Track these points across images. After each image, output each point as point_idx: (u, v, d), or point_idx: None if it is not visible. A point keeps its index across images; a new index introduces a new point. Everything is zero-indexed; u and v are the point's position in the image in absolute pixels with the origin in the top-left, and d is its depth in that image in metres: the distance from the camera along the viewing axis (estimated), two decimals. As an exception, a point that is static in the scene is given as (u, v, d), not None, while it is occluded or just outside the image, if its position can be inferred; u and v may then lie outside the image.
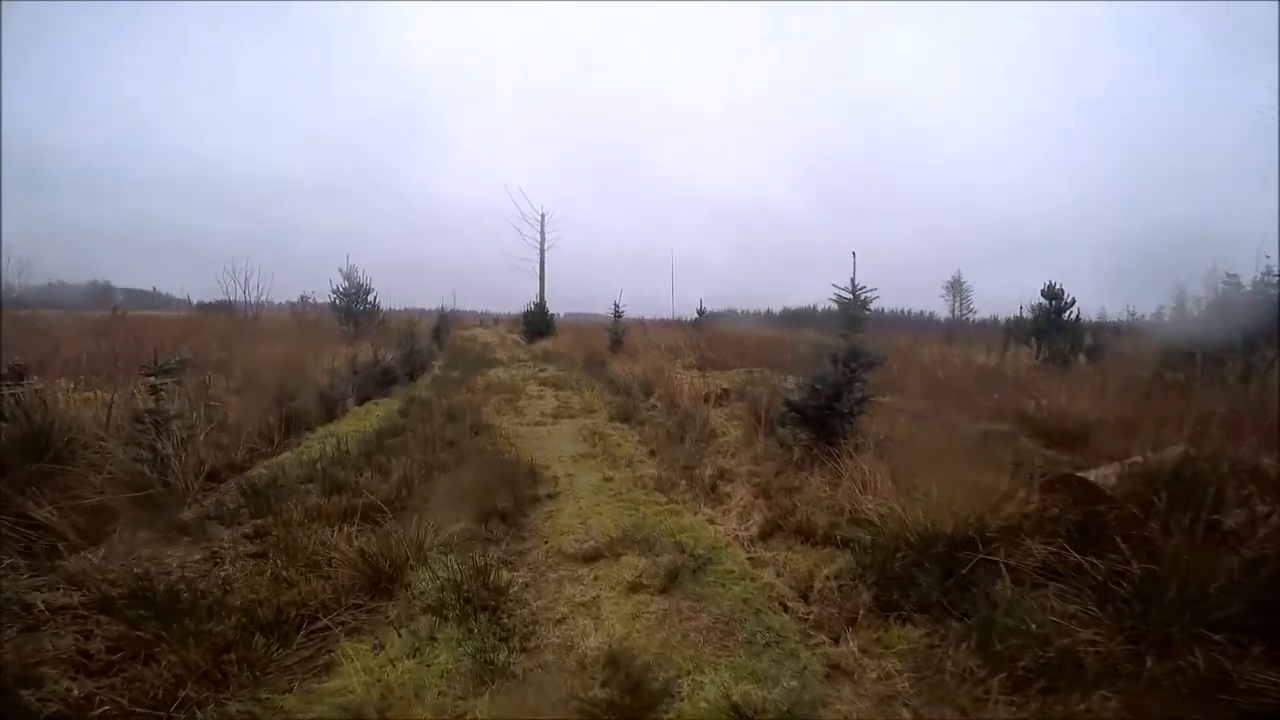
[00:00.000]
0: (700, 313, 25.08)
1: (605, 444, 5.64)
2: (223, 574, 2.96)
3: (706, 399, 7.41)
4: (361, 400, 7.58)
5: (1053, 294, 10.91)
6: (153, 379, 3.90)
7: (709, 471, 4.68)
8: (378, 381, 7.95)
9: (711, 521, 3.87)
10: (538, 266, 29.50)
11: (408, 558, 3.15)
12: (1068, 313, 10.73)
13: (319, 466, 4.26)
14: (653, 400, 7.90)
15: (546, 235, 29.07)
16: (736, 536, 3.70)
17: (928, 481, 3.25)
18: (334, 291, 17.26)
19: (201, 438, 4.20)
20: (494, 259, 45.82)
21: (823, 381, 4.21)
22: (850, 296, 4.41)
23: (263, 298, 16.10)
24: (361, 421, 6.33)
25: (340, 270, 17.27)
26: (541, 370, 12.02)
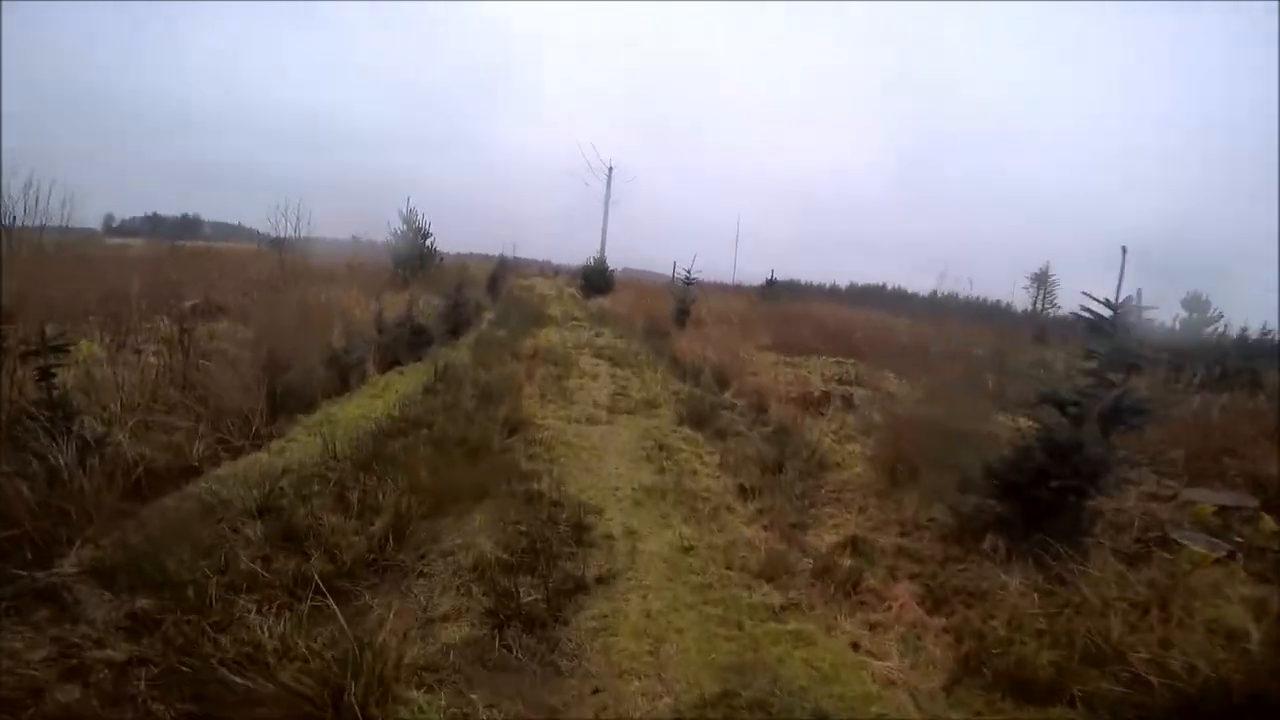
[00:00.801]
0: (770, 282, 22.88)
1: (677, 466, 4.18)
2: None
3: (805, 404, 5.79)
4: (388, 366, 6.42)
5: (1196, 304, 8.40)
6: (40, 359, 2.69)
7: (835, 539, 3.16)
8: (409, 343, 6.73)
9: (860, 649, 2.39)
10: (601, 220, 27.94)
11: (366, 696, 1.86)
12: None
13: (281, 487, 3.02)
14: (729, 396, 6.36)
15: (612, 190, 27.36)
16: (908, 686, 2.22)
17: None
18: (391, 234, 16.39)
19: (125, 433, 3.02)
20: (559, 209, 44.48)
21: (1063, 444, 2.53)
22: (1110, 311, 2.64)
23: (315, 234, 15.38)
24: (375, 400, 5.14)
25: (399, 212, 16.31)
26: (597, 334, 10.63)
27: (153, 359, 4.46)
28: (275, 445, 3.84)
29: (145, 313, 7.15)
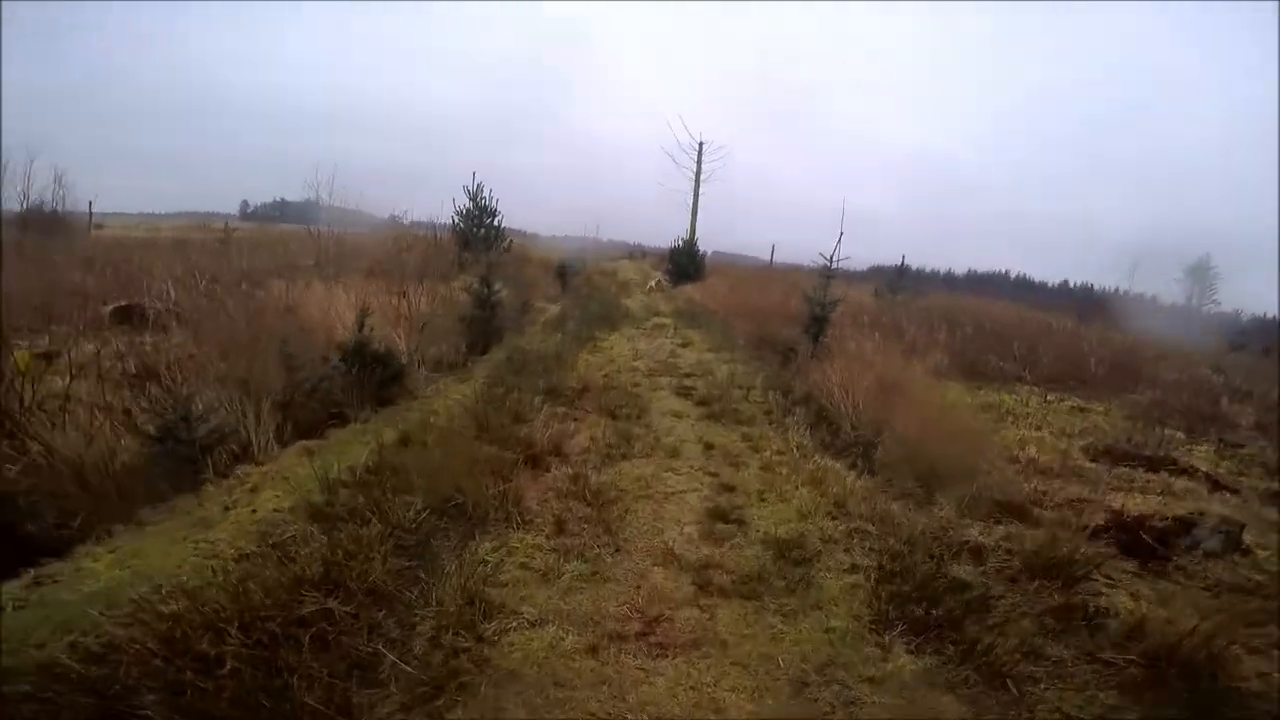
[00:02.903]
0: (901, 270, 18.40)
1: None
2: None
3: (1132, 547, 2.53)
4: (320, 426, 3.87)
5: None
6: None
7: None
8: (373, 379, 4.16)
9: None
10: (690, 199, 24.80)
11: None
12: None
13: None
14: (975, 531, 3.14)
15: (704, 167, 24.09)
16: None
17: None
18: (456, 212, 14.41)
19: None
20: (649, 190, 41.68)
21: None
22: None
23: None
24: (282, 492, 2.56)
25: (465, 188, 14.27)
26: (683, 344, 7.68)
27: None
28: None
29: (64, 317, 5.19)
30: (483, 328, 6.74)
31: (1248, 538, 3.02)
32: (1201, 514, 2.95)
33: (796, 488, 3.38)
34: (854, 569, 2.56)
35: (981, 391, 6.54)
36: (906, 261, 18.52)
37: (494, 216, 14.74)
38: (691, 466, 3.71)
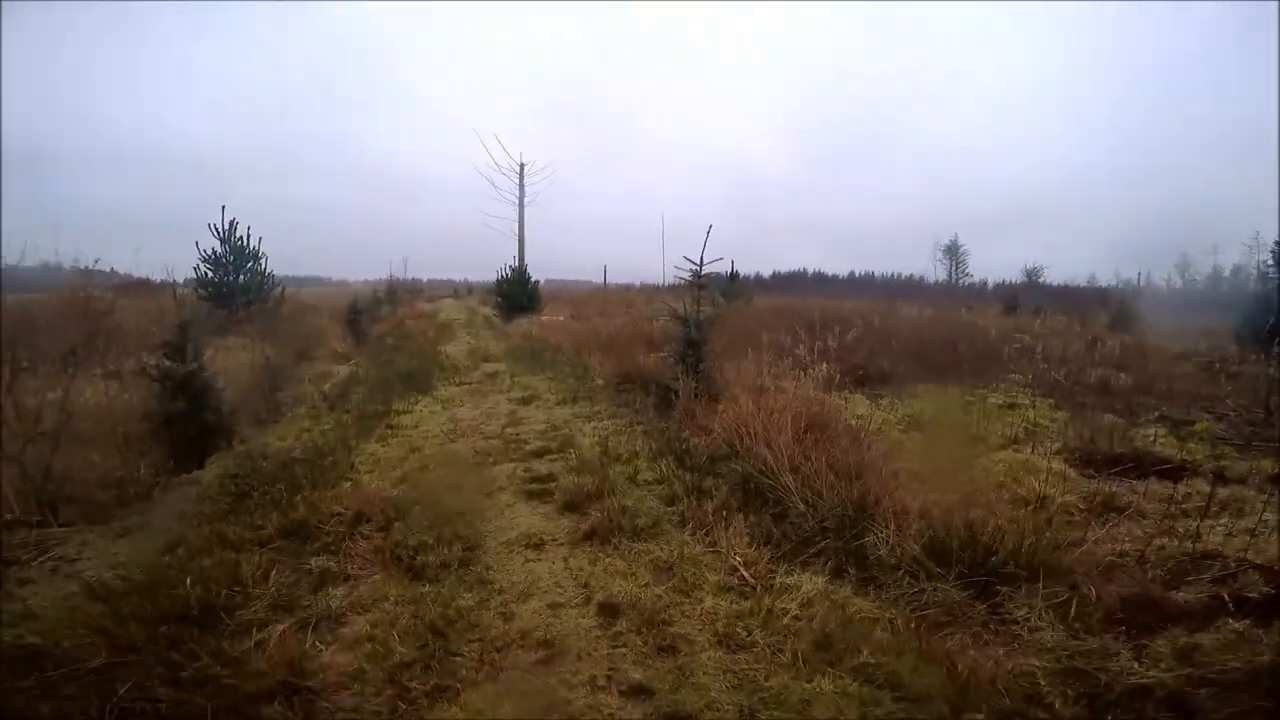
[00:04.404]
0: (733, 276, 18.34)
1: None
2: None
3: None
4: None
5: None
6: None
7: None
8: None
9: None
10: (516, 225, 22.94)
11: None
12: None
13: None
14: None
15: (528, 189, 22.53)
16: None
17: None
18: (202, 259, 10.70)
19: None
20: (470, 224, 38.74)
21: None
22: None
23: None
24: None
25: (212, 228, 10.67)
26: (526, 399, 5.67)
27: None
28: None
29: None
30: (187, 429, 4.03)
31: None
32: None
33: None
34: None
35: (886, 400, 5.59)
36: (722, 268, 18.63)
37: (255, 260, 11.32)
38: (593, 680, 1.77)
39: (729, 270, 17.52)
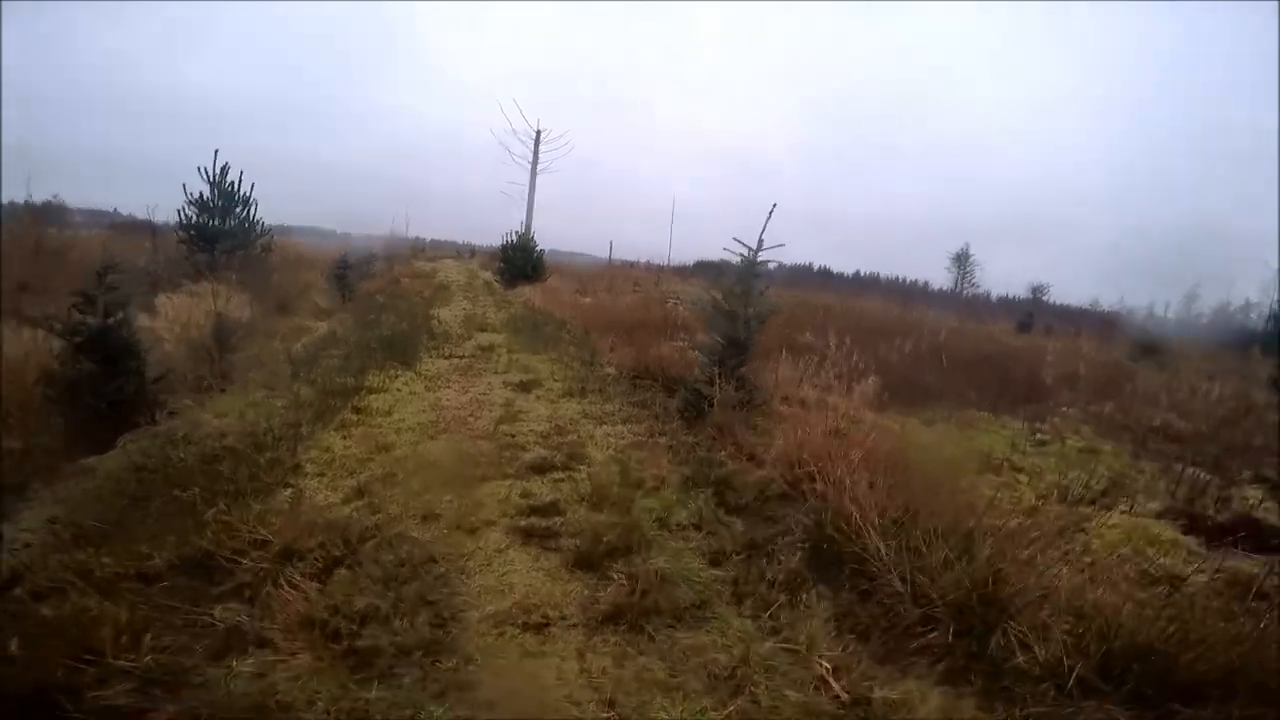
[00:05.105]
0: (754, 253, 17.16)
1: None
2: None
3: None
4: None
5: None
6: None
7: None
8: None
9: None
10: (526, 191, 21.85)
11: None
12: None
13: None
14: None
15: (542, 157, 21.40)
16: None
17: None
18: (188, 203, 9.74)
19: None
20: (478, 188, 37.39)
21: None
22: None
23: None
24: None
25: (201, 171, 9.67)
26: (525, 383, 4.85)
27: None
28: None
29: None
30: (96, 399, 3.17)
31: None
32: None
33: None
34: None
35: (938, 425, 4.81)
36: (712, 256, 17.91)
37: (245, 206, 10.30)
38: None
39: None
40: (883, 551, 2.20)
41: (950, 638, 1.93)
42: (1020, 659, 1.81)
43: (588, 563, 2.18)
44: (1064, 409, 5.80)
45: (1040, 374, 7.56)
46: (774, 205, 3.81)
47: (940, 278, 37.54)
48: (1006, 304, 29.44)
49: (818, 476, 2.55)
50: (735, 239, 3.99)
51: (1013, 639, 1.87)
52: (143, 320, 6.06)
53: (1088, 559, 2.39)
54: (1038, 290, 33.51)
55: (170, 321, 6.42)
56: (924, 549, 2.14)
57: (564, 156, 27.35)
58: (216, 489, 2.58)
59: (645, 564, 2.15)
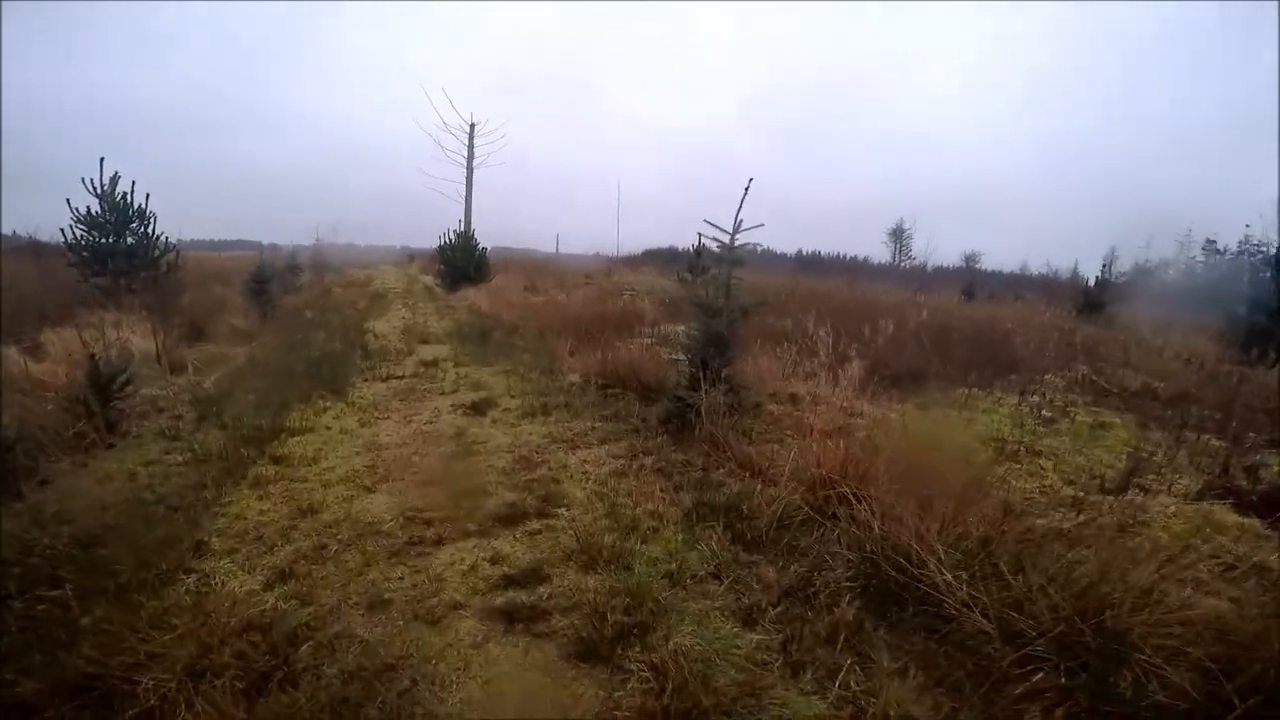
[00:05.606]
0: (699, 250, 16.78)
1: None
2: None
3: None
4: None
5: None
6: None
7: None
8: None
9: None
10: (463, 189, 20.77)
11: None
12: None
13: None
14: None
15: (477, 150, 20.40)
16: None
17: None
18: (75, 219, 8.45)
19: None
20: (411, 188, 35.61)
21: None
22: None
23: None
24: None
25: (87, 183, 8.39)
26: (477, 403, 4.22)
27: None
28: None
29: None
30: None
31: None
32: None
33: None
34: None
35: (935, 410, 4.52)
36: (667, 244, 17.68)
37: (142, 220, 9.06)
38: None
39: (695, 243, 16.16)
40: (953, 585, 1.79)
41: (1062, 678, 1.57)
42: (1160, 694, 1.46)
43: (593, 652, 1.67)
44: (1045, 376, 5.67)
45: (1012, 342, 7.49)
46: (750, 180, 3.35)
47: (878, 252, 38.63)
48: (942, 274, 30.46)
49: (854, 499, 2.12)
50: (707, 221, 3.50)
51: (1137, 670, 1.53)
52: (21, 364, 5.08)
53: (1163, 555, 2.07)
54: (971, 259, 34.88)
55: (56, 363, 5.44)
56: (1008, 575, 1.75)
57: (504, 149, 26.31)
58: (96, 585, 1.93)
59: (668, 644, 1.65)
